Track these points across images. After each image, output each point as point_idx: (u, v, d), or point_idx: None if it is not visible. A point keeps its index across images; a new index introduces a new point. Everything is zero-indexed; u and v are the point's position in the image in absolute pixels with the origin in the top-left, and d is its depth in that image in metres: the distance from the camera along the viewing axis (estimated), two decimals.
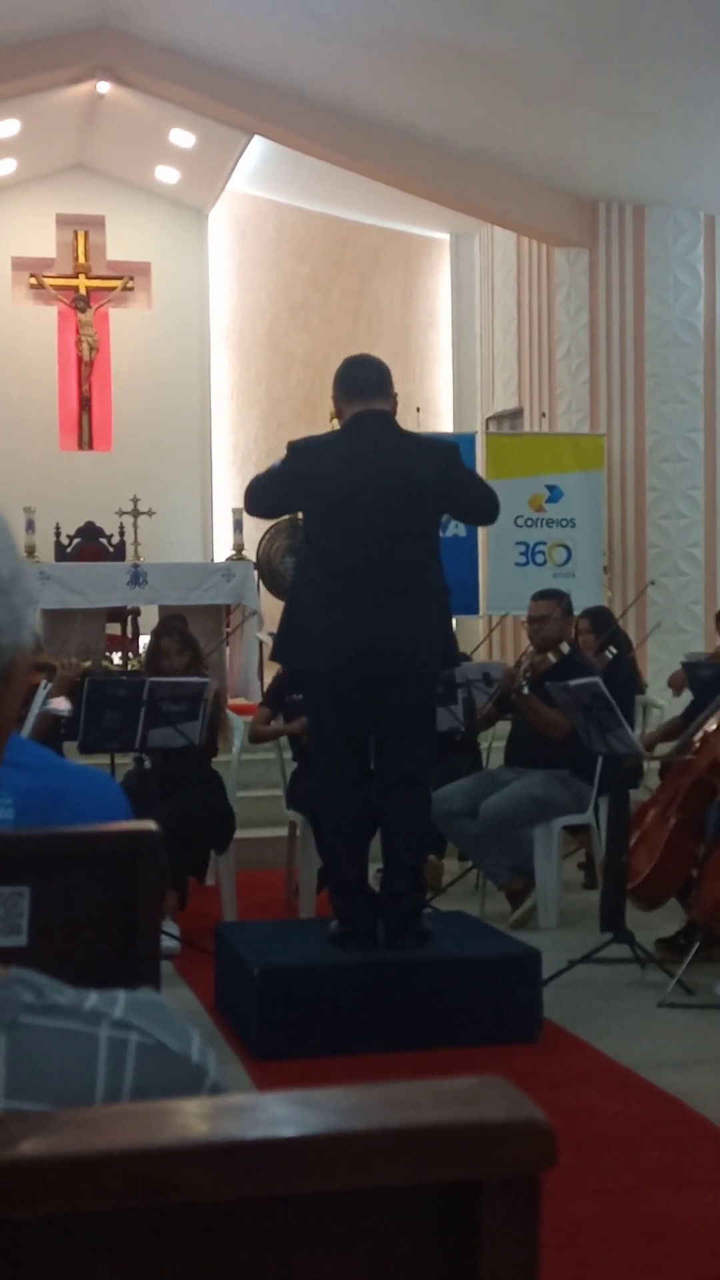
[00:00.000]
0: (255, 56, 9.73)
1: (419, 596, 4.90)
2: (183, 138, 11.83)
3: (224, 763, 6.88)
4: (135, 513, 11.09)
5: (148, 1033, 0.89)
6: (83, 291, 13.11)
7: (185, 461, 13.52)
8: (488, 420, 11.86)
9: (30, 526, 10.46)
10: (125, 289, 13.18)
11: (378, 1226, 0.82)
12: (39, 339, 13.06)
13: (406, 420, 5.18)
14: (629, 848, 5.80)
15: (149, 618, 10.43)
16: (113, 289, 13.17)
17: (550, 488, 10.02)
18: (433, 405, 12.31)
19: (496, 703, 6.91)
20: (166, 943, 5.64)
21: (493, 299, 11.92)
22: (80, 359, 13.13)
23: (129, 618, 10.69)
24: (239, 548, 10.90)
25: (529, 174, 10.21)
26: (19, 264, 13.04)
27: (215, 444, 13.80)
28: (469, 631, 10.35)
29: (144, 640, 10.45)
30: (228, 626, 10.00)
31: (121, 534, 11.29)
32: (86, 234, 13.14)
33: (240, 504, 11.72)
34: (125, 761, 6.50)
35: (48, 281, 13.05)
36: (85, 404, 13.18)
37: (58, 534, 11.20)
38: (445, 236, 12.39)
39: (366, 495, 4.86)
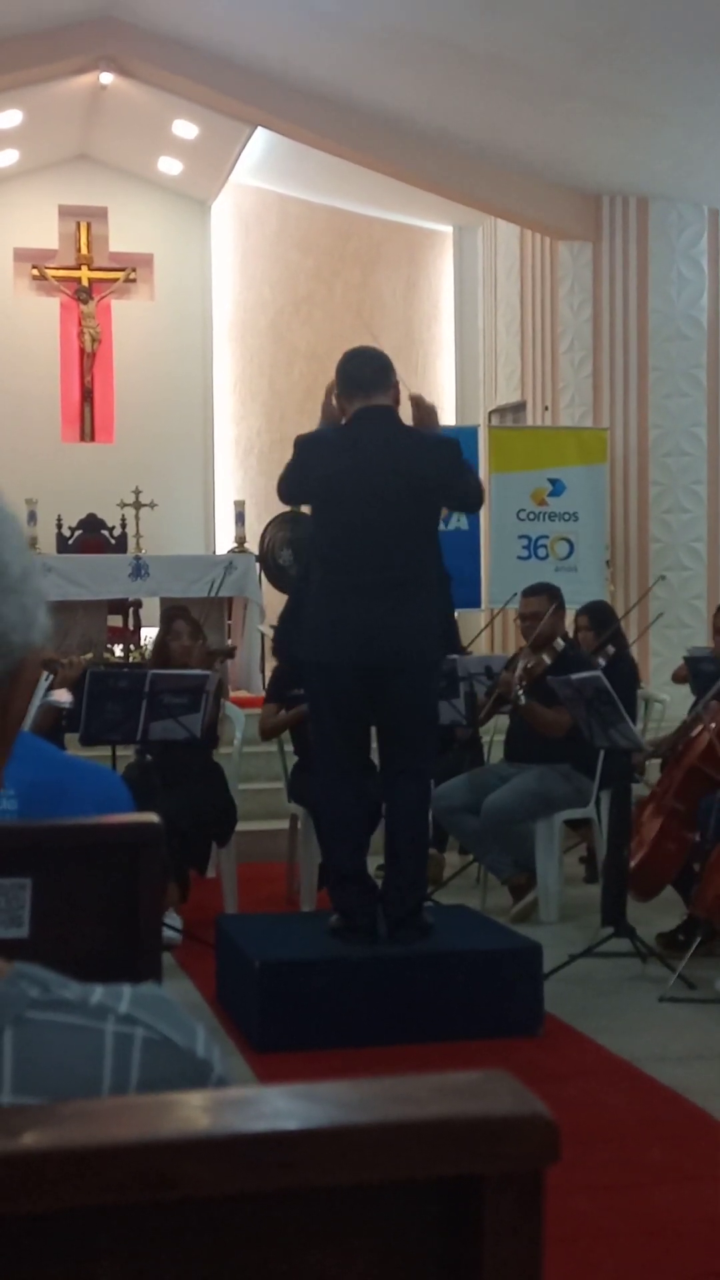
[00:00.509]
0: (258, 48, 9.71)
1: (420, 590, 4.92)
2: (186, 129, 11.82)
3: (225, 755, 6.88)
4: (137, 505, 11.09)
5: (153, 1028, 0.89)
6: (85, 283, 13.10)
7: (187, 454, 13.51)
8: (490, 413, 11.85)
9: (32, 518, 10.47)
10: (128, 280, 13.18)
11: (380, 1221, 0.82)
12: (41, 330, 13.05)
13: (408, 414, 5.20)
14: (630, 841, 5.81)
15: (151, 610, 10.44)
16: (115, 280, 13.16)
17: (553, 481, 10.01)
18: (435, 398, 12.21)
19: (494, 702, 6.89)
20: (166, 934, 5.64)
21: (496, 292, 11.90)
22: (82, 350, 13.12)
23: (131, 610, 10.69)
24: (241, 540, 10.90)
25: (532, 168, 10.19)
26: (21, 255, 13.04)
27: (217, 436, 13.79)
28: (470, 625, 10.34)
29: (145, 633, 10.48)
30: (229, 619, 10.00)
31: (123, 526, 11.28)
32: (89, 225, 13.13)
33: (242, 496, 11.81)
34: (126, 754, 6.50)
35: (50, 273, 13.04)
36: (87, 396, 13.17)
37: (59, 526, 11.20)
38: (448, 229, 12.38)
39: (368, 490, 4.88)
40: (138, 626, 10.73)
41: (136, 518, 11.10)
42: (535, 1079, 3.83)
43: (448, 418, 12.18)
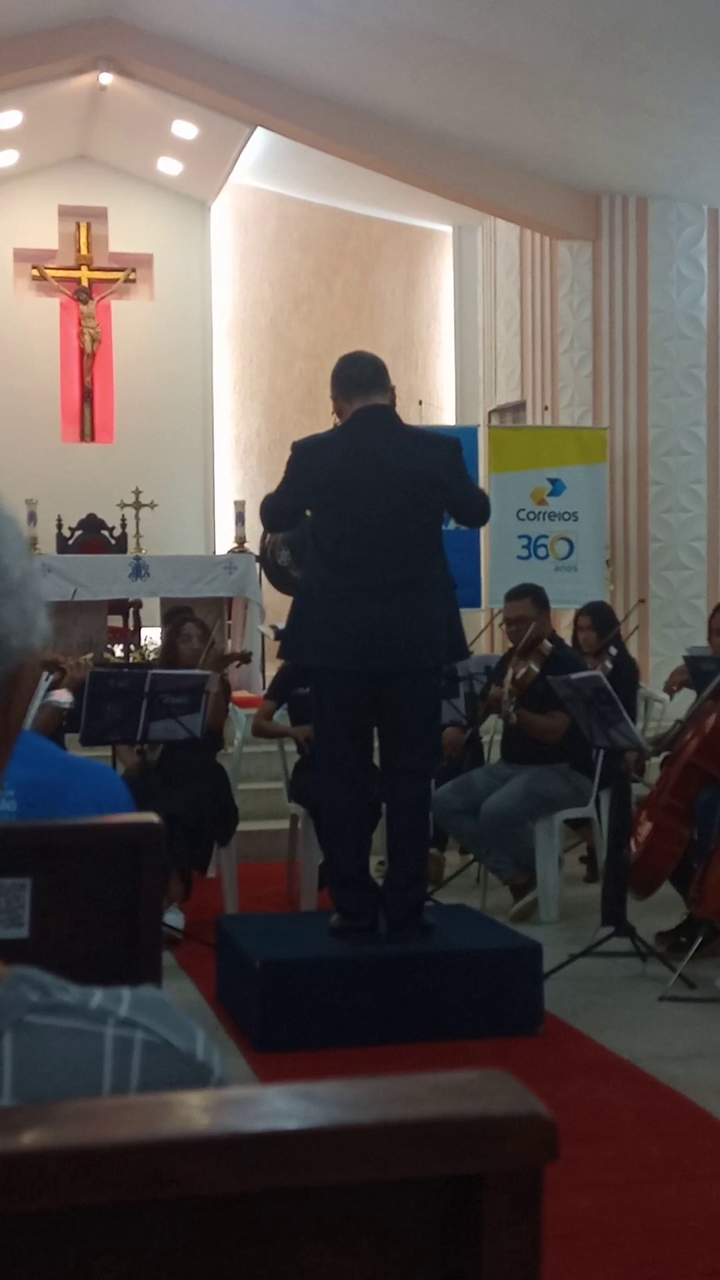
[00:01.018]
0: (258, 48, 9.71)
1: (425, 590, 4.90)
2: (185, 129, 11.81)
3: (226, 755, 6.88)
4: (137, 505, 11.08)
5: (153, 1031, 0.89)
6: (85, 283, 13.09)
7: (187, 454, 13.50)
8: (490, 413, 11.85)
9: (32, 518, 10.46)
10: (127, 281, 13.17)
11: (380, 1220, 0.82)
12: (41, 331, 13.05)
13: (408, 413, 5.22)
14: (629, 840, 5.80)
15: (151, 610, 10.44)
16: (115, 281, 13.15)
17: (552, 481, 10.01)
18: (435, 398, 12.30)
19: (485, 712, 6.89)
20: (166, 930, 5.64)
21: (495, 291, 11.90)
22: (82, 351, 13.11)
23: (131, 610, 10.69)
24: (241, 540, 10.90)
25: (532, 167, 10.19)
26: (21, 255, 13.03)
27: (217, 436, 13.78)
28: (470, 625, 10.33)
29: (145, 633, 10.48)
30: (229, 619, 10.00)
31: (123, 526, 11.28)
32: (89, 225, 13.12)
33: (242, 496, 11.80)
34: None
35: (50, 273, 13.03)
36: (87, 396, 13.16)
37: (59, 526, 11.20)
38: (448, 229, 12.38)
39: (371, 490, 4.87)
40: (138, 627, 10.73)
41: (136, 518, 11.09)
42: (535, 1078, 3.84)
43: (447, 417, 12.20)
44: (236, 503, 11.39)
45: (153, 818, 1.88)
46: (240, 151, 11.95)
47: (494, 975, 4.91)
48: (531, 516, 9.97)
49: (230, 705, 6.92)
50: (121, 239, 13.12)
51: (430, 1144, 0.80)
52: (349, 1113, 0.80)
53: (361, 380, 5.00)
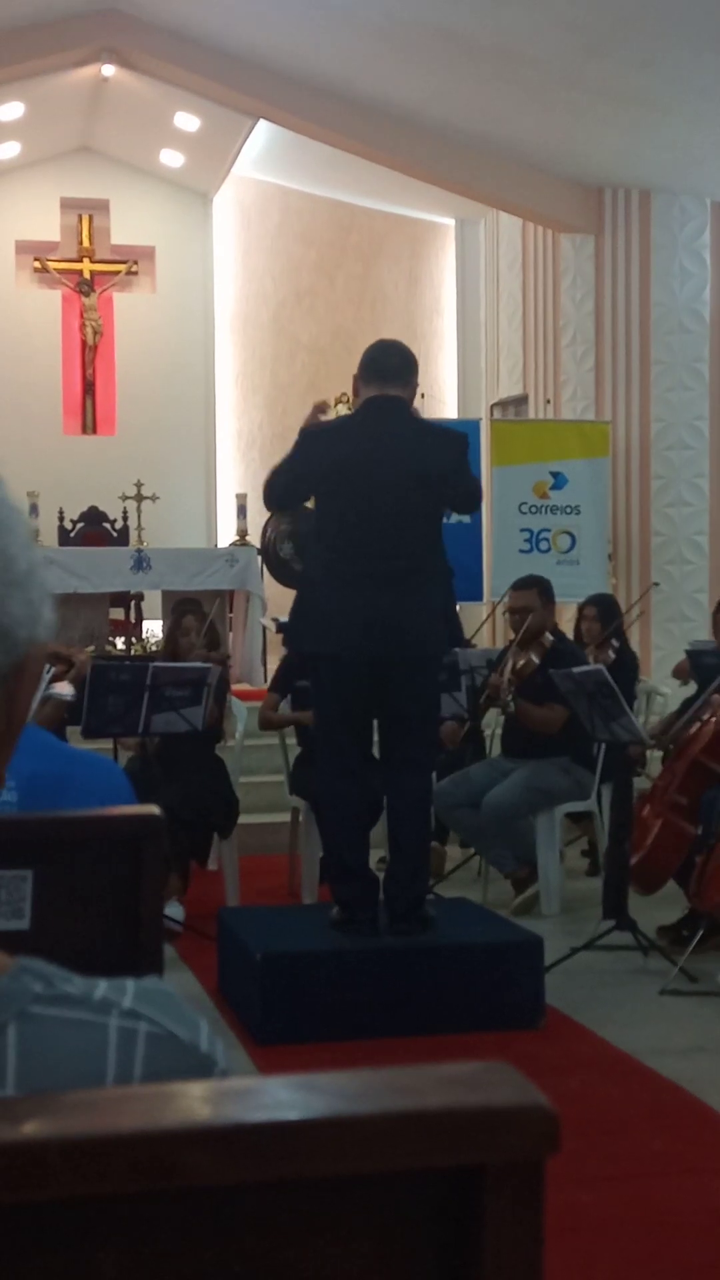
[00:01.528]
0: (261, 40, 9.70)
1: (425, 580, 4.92)
2: (187, 121, 11.80)
3: (227, 748, 6.88)
4: (139, 497, 11.09)
5: (157, 1022, 0.89)
6: (87, 275, 13.09)
7: (189, 446, 13.50)
8: (492, 406, 11.84)
9: (34, 511, 10.46)
10: (129, 273, 13.16)
11: (381, 1211, 0.82)
12: (43, 323, 13.04)
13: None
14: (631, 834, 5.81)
15: (152, 603, 10.44)
16: (117, 273, 13.15)
17: (555, 474, 10.01)
18: (437, 391, 12.29)
19: (485, 703, 6.89)
20: (166, 923, 5.64)
21: (498, 285, 11.89)
22: (84, 343, 13.11)
23: (132, 603, 10.69)
24: (243, 533, 10.89)
25: (535, 160, 10.18)
26: (23, 247, 13.02)
27: (220, 429, 13.78)
28: (472, 617, 10.34)
29: (147, 625, 10.48)
30: (230, 612, 10.00)
31: (125, 519, 11.28)
32: (91, 217, 13.12)
33: (244, 489, 11.80)
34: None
35: (51, 265, 13.03)
36: (89, 388, 13.16)
37: (61, 518, 11.20)
38: (450, 222, 12.36)
39: (376, 479, 4.87)
40: (139, 619, 10.73)
41: (138, 510, 11.09)
42: (536, 1071, 3.83)
43: (449, 411, 12.20)
44: (238, 496, 11.38)
45: (154, 810, 1.88)
46: (243, 144, 11.95)
47: (495, 969, 4.92)
48: (534, 510, 9.97)
49: (230, 698, 6.92)
50: (123, 231, 13.12)
51: (432, 1135, 0.80)
52: (351, 1103, 0.80)
53: (384, 369, 4.99)
